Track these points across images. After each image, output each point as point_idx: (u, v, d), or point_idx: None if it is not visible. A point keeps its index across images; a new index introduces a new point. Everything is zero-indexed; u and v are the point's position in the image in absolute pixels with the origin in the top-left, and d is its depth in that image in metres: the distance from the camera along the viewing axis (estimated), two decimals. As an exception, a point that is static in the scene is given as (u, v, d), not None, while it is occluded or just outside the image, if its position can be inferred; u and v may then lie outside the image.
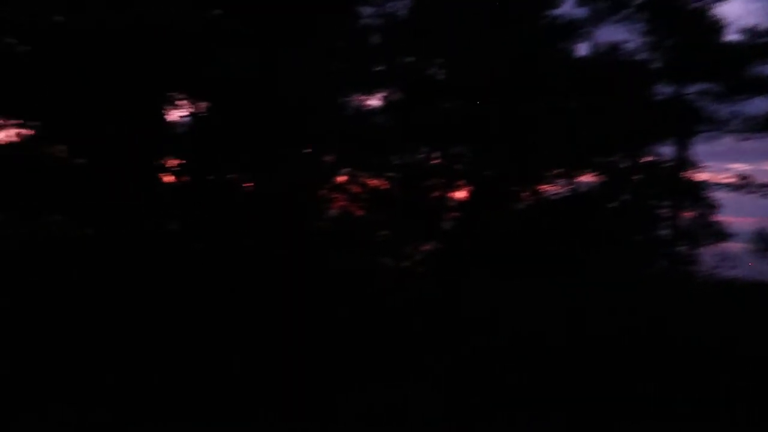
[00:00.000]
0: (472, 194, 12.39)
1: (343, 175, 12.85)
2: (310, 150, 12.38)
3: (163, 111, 10.71)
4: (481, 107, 11.47)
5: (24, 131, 9.47)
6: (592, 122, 11.04)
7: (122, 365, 8.35)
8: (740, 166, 11.80)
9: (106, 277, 9.78)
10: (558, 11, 11.95)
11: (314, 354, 8.91)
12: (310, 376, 8.39)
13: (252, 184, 12.04)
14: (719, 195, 10.80)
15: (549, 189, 11.96)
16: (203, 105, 10.71)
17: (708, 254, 10.68)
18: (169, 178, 10.68)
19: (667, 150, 11.02)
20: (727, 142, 10.53)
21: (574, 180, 11.67)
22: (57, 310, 9.19)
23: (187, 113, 10.68)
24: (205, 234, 11.13)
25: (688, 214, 10.79)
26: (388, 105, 12.26)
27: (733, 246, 10.48)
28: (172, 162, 10.82)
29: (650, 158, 10.98)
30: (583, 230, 11.50)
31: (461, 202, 12.56)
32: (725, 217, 10.64)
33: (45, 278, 9.49)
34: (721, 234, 10.54)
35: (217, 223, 11.18)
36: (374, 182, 12.87)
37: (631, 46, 11.90)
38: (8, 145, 9.58)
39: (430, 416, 7.67)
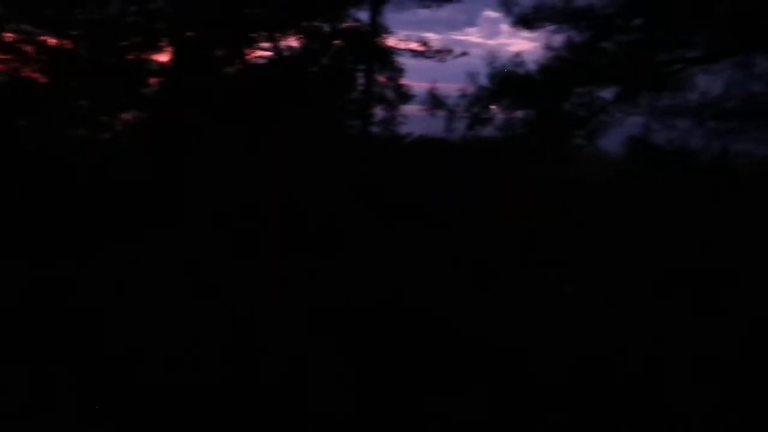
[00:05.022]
0: (174, 56, 11.55)
1: (12, 31, 10.42)
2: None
3: None
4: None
5: None
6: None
7: None
8: (422, 34, 13.63)
9: None
10: None
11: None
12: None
13: None
14: (404, 60, 12.73)
15: (255, 52, 12.06)
16: None
17: (394, 114, 12.63)
18: None
19: (362, 16, 12.31)
20: (413, 11, 12.38)
21: (279, 44, 12.02)
22: None
23: None
24: None
25: (379, 78, 12.42)
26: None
27: (412, 107, 12.62)
28: None
29: (348, 23, 12.10)
30: (288, 93, 12.11)
31: (164, 66, 11.59)
32: (408, 81, 12.64)
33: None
34: (405, 96, 12.53)
35: None
36: (54, 41, 10.76)
37: None
38: None
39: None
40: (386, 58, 12.13)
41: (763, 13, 10.69)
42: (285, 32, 11.88)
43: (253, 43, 11.80)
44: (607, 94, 12.05)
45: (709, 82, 11.55)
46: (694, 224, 10.61)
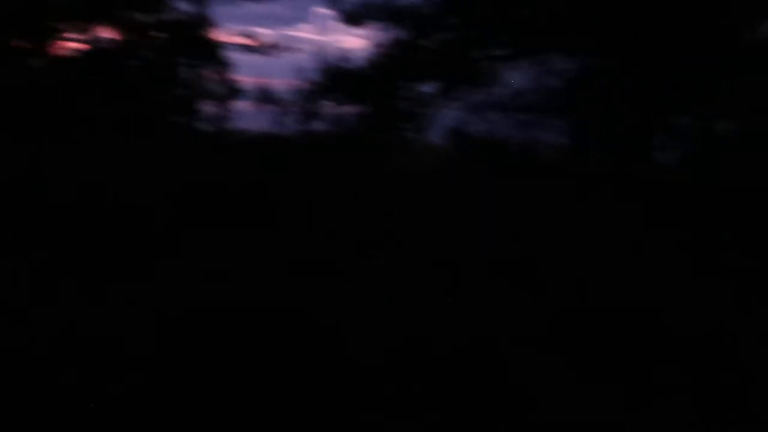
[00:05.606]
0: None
1: None
2: None
3: None
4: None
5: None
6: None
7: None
8: (253, 29, 12.94)
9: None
10: None
11: None
12: None
13: None
14: (233, 55, 12.17)
15: (67, 45, 10.78)
16: None
17: (222, 110, 12.11)
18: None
19: (184, 7, 11.51)
20: (241, 5, 11.84)
21: (95, 35, 10.87)
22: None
23: None
24: None
25: (206, 73, 11.78)
26: None
27: (242, 102, 12.18)
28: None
29: (171, 16, 11.28)
30: (105, 88, 11.10)
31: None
32: (237, 76, 12.13)
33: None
34: (234, 91, 12.05)
35: None
36: None
37: None
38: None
39: None
40: (213, 52, 11.64)
41: (554, 19, 12.17)
42: (98, 23, 10.82)
43: (61, 34, 10.56)
44: (430, 88, 12.88)
45: (514, 78, 12.92)
46: (506, 209, 11.71)
